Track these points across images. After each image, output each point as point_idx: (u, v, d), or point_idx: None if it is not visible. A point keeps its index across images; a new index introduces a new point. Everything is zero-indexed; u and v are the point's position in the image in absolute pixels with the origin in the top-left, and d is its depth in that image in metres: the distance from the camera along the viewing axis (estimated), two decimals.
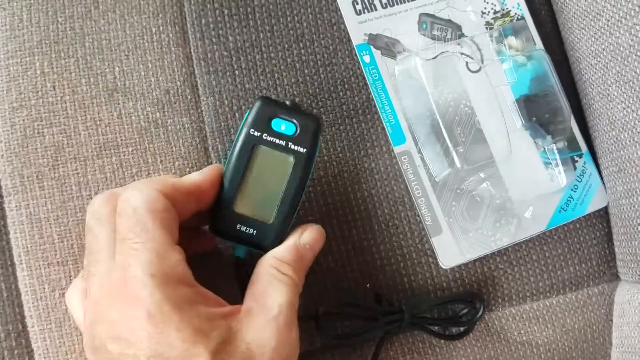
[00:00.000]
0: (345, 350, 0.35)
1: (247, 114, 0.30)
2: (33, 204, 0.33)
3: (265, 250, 0.30)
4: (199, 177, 0.29)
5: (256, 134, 0.30)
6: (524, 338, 0.37)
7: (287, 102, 0.31)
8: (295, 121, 0.30)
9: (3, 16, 0.35)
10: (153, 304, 0.24)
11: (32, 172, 0.33)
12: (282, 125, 0.30)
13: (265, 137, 0.30)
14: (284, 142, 0.30)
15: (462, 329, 0.35)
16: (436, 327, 0.35)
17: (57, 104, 0.34)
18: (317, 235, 0.31)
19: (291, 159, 0.30)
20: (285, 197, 0.30)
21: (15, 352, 0.32)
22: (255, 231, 0.30)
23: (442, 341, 0.36)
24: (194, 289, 0.26)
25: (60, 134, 0.34)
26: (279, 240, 0.30)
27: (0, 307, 0.33)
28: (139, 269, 0.24)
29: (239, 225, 0.30)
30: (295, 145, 0.30)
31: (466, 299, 0.35)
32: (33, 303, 0.32)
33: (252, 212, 0.30)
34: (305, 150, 0.30)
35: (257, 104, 0.30)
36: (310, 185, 0.36)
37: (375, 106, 0.37)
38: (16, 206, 0.33)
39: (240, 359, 0.25)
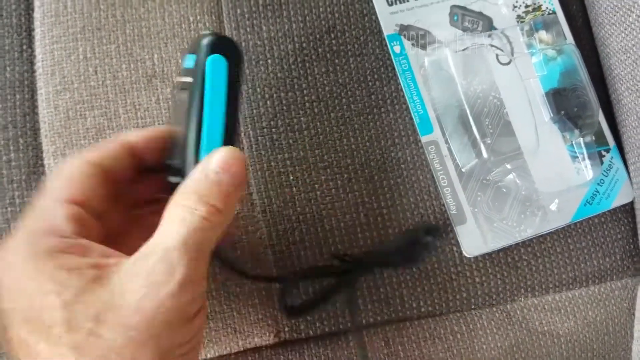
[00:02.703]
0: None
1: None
2: None
3: None
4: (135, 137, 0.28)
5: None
6: (545, 328, 0.37)
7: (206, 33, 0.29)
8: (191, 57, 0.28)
9: (49, 2, 0.36)
10: (14, 253, 0.24)
11: (74, 152, 0.35)
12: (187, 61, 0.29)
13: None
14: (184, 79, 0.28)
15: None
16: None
17: (98, 87, 0.35)
18: (228, 157, 0.26)
19: (186, 90, 0.28)
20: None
21: None
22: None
23: (464, 327, 0.36)
24: (66, 240, 0.24)
25: (102, 116, 0.35)
26: None
27: None
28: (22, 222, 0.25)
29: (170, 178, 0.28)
30: (187, 76, 0.28)
31: (425, 234, 0.35)
32: None
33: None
34: (192, 77, 0.28)
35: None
36: (338, 173, 0.37)
37: (403, 96, 0.37)
38: None
39: (97, 309, 0.22)
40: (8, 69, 0.36)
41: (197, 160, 0.27)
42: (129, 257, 0.24)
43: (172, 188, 0.26)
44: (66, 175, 0.26)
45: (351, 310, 0.35)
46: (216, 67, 0.28)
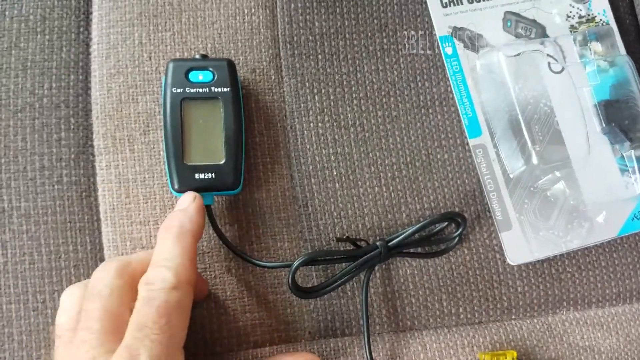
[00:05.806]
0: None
1: (164, 78, 0.33)
2: (122, 164, 0.35)
3: (230, 188, 0.32)
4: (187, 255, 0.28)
5: (179, 90, 0.32)
6: (587, 343, 0.36)
7: (197, 56, 0.34)
8: (210, 68, 0.33)
9: None
10: None
11: (124, 135, 0.35)
12: (200, 75, 0.33)
13: (188, 91, 0.32)
14: (207, 88, 0.32)
15: (442, 246, 0.35)
16: (418, 249, 0.35)
17: (151, 73, 0.36)
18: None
19: (219, 100, 0.32)
20: (228, 135, 0.32)
21: None
22: (213, 174, 0.32)
23: (503, 337, 0.35)
24: None
25: (153, 102, 0.35)
26: (237, 176, 0.32)
27: (84, 259, 0.34)
28: None
29: (197, 175, 0.32)
30: (218, 87, 0.32)
31: (445, 219, 0.34)
32: None
33: (204, 159, 0.32)
34: (229, 89, 0.33)
35: (170, 65, 0.33)
36: (382, 171, 0.36)
37: (452, 98, 0.37)
38: (106, 165, 0.35)
39: None
40: (64, 49, 0.36)
41: None
42: None
43: None
44: (187, 313, 0.27)
45: (364, 297, 0.34)
46: None
